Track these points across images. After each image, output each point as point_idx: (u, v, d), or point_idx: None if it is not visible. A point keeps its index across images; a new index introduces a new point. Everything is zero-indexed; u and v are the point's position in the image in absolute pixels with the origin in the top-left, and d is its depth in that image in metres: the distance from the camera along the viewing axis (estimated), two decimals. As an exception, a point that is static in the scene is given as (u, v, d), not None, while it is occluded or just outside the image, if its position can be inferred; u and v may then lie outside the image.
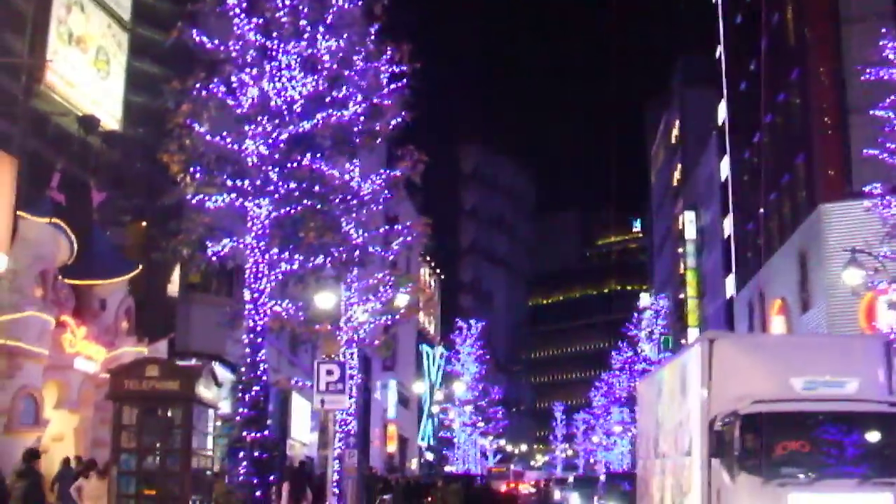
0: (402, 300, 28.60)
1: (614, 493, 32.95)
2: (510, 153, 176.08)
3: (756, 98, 60.94)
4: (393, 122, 23.56)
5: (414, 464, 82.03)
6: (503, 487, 75.33)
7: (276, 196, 21.49)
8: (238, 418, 21.53)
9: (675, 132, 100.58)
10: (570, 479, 56.86)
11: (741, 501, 15.39)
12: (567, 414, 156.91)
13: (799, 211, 51.46)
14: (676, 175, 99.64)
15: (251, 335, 21.69)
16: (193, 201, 21.40)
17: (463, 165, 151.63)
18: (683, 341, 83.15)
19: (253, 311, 21.69)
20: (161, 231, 24.05)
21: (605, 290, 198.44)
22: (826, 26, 48.41)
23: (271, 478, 21.90)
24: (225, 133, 21.63)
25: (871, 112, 27.19)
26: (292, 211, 21.73)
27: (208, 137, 21.43)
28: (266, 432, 21.70)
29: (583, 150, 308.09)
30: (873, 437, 16.10)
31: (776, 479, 15.28)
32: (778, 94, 54.96)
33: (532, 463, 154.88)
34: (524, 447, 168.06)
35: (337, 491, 26.36)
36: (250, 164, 21.62)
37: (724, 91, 72.29)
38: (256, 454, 21.11)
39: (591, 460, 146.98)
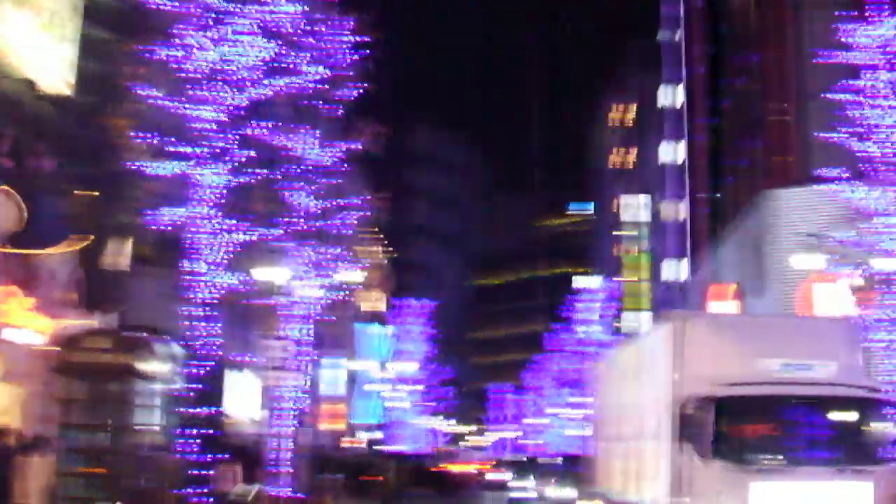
0: (355, 276, 27.72)
1: (568, 476, 32.27)
2: (461, 133, 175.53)
3: (714, 82, 60.81)
4: (354, 93, 22.92)
5: (360, 442, 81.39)
6: (448, 467, 75.07)
7: (231, 164, 20.80)
8: (189, 394, 20.74)
9: (630, 116, 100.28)
10: (519, 460, 55.41)
11: (713, 487, 14.82)
12: (514, 394, 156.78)
13: (755, 195, 51.29)
14: (630, 159, 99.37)
15: (202, 308, 20.95)
16: (145, 169, 20.61)
17: (413, 144, 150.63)
18: (631, 324, 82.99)
19: (204, 284, 20.90)
20: (112, 200, 23.22)
21: (550, 272, 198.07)
22: (786, 11, 48.22)
23: (223, 456, 21.17)
24: (179, 98, 20.88)
25: (823, 95, 26.71)
26: (248, 181, 21.06)
27: (161, 102, 20.62)
28: (216, 408, 21.04)
29: (534, 131, 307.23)
30: (852, 423, 15.62)
31: (751, 465, 14.84)
32: (737, 78, 54.77)
33: (475, 444, 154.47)
34: (470, 428, 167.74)
35: (291, 470, 25.67)
36: (204, 130, 20.88)
37: (681, 74, 72.18)
38: (206, 431, 20.54)
39: (534, 442, 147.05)
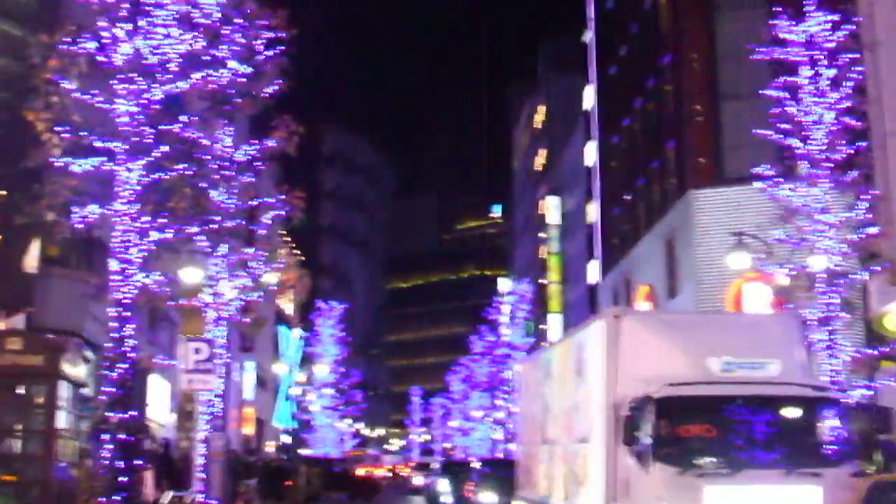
0: (270, 277, 27.02)
1: (490, 480, 31.32)
2: (371, 135, 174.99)
3: (626, 83, 60.92)
4: (271, 89, 22.33)
5: (271, 446, 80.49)
6: (362, 471, 74.59)
7: (148, 160, 20.12)
8: (103, 398, 20.10)
9: (540, 117, 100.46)
10: (436, 464, 54.47)
11: (655, 493, 14.20)
12: (425, 398, 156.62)
13: (668, 197, 51.44)
14: (540, 160, 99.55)
15: (118, 309, 20.22)
16: (59, 164, 19.80)
17: (322, 145, 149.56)
18: (543, 326, 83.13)
19: (120, 284, 20.24)
20: (22, 197, 22.32)
21: (464, 275, 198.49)
22: (700, 12, 48.42)
23: (137, 462, 20.46)
24: (95, 91, 20.13)
25: (761, 92, 26.58)
26: (165, 176, 20.40)
27: (77, 95, 19.87)
28: (133, 413, 20.33)
29: (446, 134, 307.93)
30: (798, 423, 15.04)
31: (693, 469, 14.14)
32: (648, 79, 54.87)
33: (387, 447, 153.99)
34: (381, 431, 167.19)
35: (205, 476, 24.87)
36: (121, 124, 20.17)
37: (593, 75, 72.25)
38: (122, 437, 19.68)
39: (449, 445, 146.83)
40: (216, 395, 27.57)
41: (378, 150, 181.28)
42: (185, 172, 20.50)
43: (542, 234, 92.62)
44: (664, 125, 52.34)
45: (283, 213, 25.53)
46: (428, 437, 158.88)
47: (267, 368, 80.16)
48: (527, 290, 78.22)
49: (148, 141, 20.14)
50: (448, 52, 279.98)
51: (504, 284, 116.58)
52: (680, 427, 14.53)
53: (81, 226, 20.35)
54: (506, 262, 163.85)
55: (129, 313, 20.26)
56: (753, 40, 47.20)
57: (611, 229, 64.44)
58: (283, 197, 25.32)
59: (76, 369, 17.27)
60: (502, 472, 30.21)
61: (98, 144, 20.38)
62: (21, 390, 16.67)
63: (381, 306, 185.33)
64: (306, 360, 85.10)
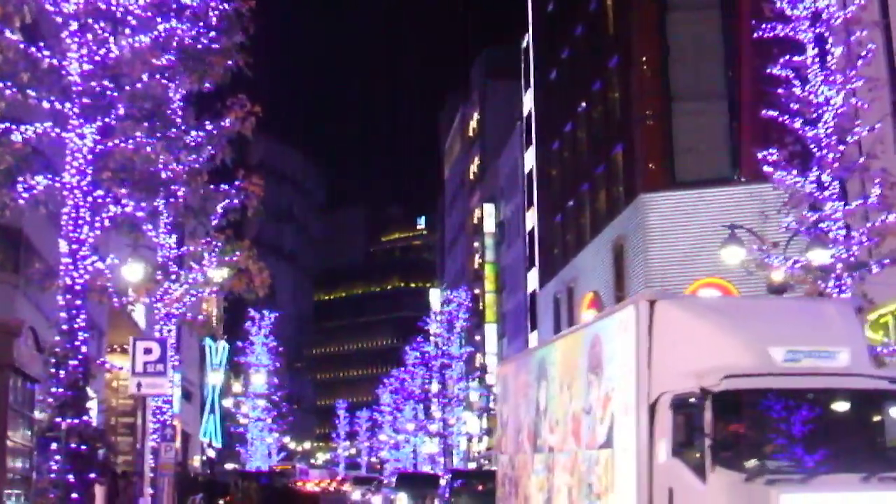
0: (222, 271, 24.50)
1: (463, 495, 28.42)
2: (299, 146, 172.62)
3: (567, 87, 59.56)
4: (229, 62, 20.14)
5: (196, 460, 77.87)
6: (302, 486, 72.51)
7: (104, 122, 17.77)
8: (50, 400, 17.51)
9: (473, 125, 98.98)
10: (389, 480, 50.69)
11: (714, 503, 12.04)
12: (350, 412, 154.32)
13: (615, 202, 50.09)
14: (473, 168, 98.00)
15: (67, 296, 17.81)
16: None
17: (250, 155, 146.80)
18: (478, 338, 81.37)
19: (71, 267, 17.83)
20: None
21: (389, 287, 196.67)
22: (649, 12, 47.02)
23: (91, 475, 17.80)
24: (44, 43, 17.84)
25: (768, 71, 24.85)
26: (123, 144, 18.11)
27: (23, 47, 17.58)
28: (86, 418, 17.78)
29: (373, 146, 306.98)
30: (876, 420, 12.90)
31: (762, 475, 11.88)
32: (594, 82, 53.45)
33: (313, 461, 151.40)
34: (307, 445, 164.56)
35: (151, 491, 22.52)
36: (73, 83, 17.84)
37: (531, 81, 70.87)
38: (73, 445, 17.19)
39: (374, 459, 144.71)
40: (165, 401, 25.41)
41: (308, 163, 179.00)
42: (148, 139, 18.10)
43: (476, 244, 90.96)
44: (611, 129, 50.97)
45: (236, 201, 23.05)
46: (353, 451, 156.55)
47: (192, 380, 77.56)
48: (465, 299, 76.32)
49: (100, 102, 17.70)
50: (379, 65, 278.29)
51: (434, 295, 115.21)
52: (743, 426, 12.44)
53: (25, 198, 17.82)
54: (431, 273, 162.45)
55: (79, 301, 17.91)
56: (706, 40, 47.10)
57: (551, 237, 62.87)
58: (240, 183, 22.87)
59: (33, 361, 14.48)
60: (475, 486, 28.16)
61: (46, 105, 18.01)
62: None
63: (307, 319, 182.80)
64: (237, 371, 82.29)
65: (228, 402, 70.58)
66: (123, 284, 20.94)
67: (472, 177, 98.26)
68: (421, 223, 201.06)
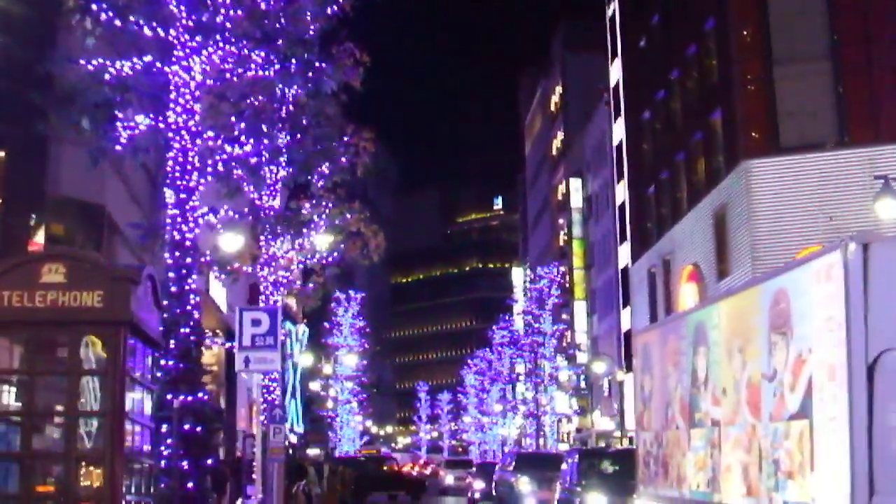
0: (323, 241, 22.62)
1: (593, 477, 25.87)
2: (371, 126, 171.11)
3: (658, 54, 57.52)
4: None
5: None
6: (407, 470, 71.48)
7: (214, 52, 15.78)
8: (159, 374, 14.68)
9: (555, 98, 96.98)
10: (506, 461, 44.51)
11: None
12: (430, 394, 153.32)
13: (714, 170, 48.10)
14: (556, 143, 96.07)
15: (176, 253, 15.93)
16: (91, 66, 15.40)
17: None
18: (565, 316, 79.45)
19: (180, 219, 15.94)
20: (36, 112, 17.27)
21: (467, 269, 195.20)
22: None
23: (208, 461, 15.91)
24: None
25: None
26: (235, 77, 16.13)
27: None
28: (201, 395, 15.96)
29: (446, 126, 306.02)
30: None
31: None
32: (688, 46, 51.36)
33: (394, 445, 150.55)
34: (389, 429, 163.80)
35: (259, 478, 20.54)
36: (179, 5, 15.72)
37: (618, 50, 68.89)
38: (187, 427, 15.23)
39: (455, 441, 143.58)
40: (272, 380, 23.69)
41: (380, 144, 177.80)
42: (265, 69, 16.02)
43: (561, 220, 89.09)
44: (708, 95, 48.88)
45: (345, 159, 21.11)
46: (434, 435, 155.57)
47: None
48: (556, 275, 74.35)
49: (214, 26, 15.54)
50: (452, 42, 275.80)
51: (517, 274, 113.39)
52: None
53: (124, 143, 15.76)
54: (510, 253, 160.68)
55: (189, 259, 16.07)
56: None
57: (644, 209, 60.89)
58: (349, 139, 20.92)
59: (149, 319, 11.41)
60: (605, 467, 26.10)
61: (147, 33, 15.90)
62: (65, 350, 10.84)
63: (384, 302, 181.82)
64: (323, 353, 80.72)
65: (316, 386, 69.20)
66: (223, 255, 19.40)
67: (555, 152, 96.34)
68: (498, 203, 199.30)
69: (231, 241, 20.53)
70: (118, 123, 15.90)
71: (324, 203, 21.68)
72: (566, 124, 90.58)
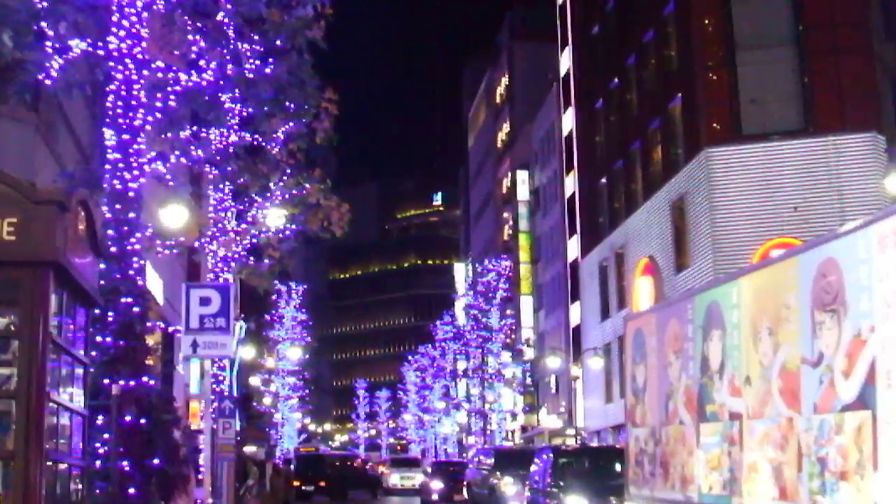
0: (278, 214, 19.98)
1: (569, 476, 23.42)
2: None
3: (613, 41, 55.98)
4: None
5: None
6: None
7: None
8: (94, 353, 11.85)
9: (501, 90, 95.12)
10: (481, 458, 39.60)
11: None
12: (369, 392, 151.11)
13: (672, 159, 46.66)
14: (501, 136, 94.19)
15: (117, 206, 13.33)
16: None
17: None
18: (509, 311, 77.64)
19: (122, 166, 13.38)
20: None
21: (406, 265, 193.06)
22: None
23: (154, 461, 13.08)
24: None
25: None
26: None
27: None
28: (146, 379, 13.23)
29: (389, 117, 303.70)
30: None
31: None
32: (646, 32, 49.80)
33: (331, 443, 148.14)
34: (326, 426, 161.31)
35: (204, 478, 18.23)
36: None
37: (569, 38, 67.26)
38: (129, 418, 12.50)
39: (393, 440, 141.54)
40: (220, 368, 21.52)
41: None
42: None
43: (506, 214, 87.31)
44: (667, 81, 47.43)
45: (304, 122, 18.70)
46: (373, 433, 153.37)
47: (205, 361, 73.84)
48: (505, 269, 72.40)
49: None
50: (395, 32, 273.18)
51: (459, 270, 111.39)
52: None
53: (54, 76, 13.01)
54: (450, 250, 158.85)
55: (133, 214, 13.49)
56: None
57: (595, 201, 59.26)
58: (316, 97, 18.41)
59: (84, 266, 8.46)
60: (581, 465, 24.08)
61: None
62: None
63: (321, 297, 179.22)
64: (265, 346, 77.97)
65: (256, 381, 66.74)
66: (163, 229, 17.15)
67: (500, 144, 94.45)
68: (437, 199, 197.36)
69: (175, 214, 18.38)
70: (48, 43, 13.16)
71: (282, 167, 19.20)
72: (512, 116, 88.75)
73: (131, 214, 13.62)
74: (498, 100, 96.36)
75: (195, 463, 18.80)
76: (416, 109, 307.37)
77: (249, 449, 74.94)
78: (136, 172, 13.71)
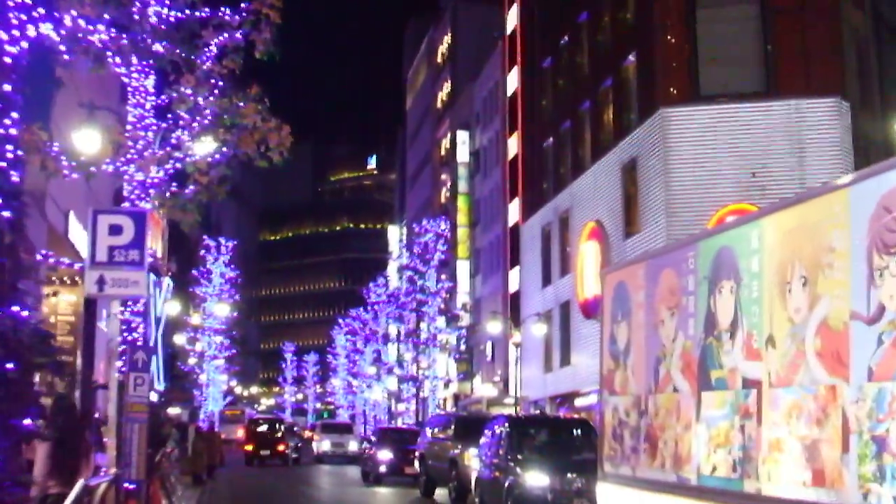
0: (207, 138, 17.32)
1: (526, 448, 20.89)
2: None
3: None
4: None
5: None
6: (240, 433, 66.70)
7: None
8: None
9: (443, 49, 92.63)
10: (438, 427, 34.75)
11: None
12: (297, 356, 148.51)
13: (624, 121, 44.77)
14: (441, 95, 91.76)
15: None
16: None
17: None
18: (444, 276, 75.45)
19: None
20: None
21: (338, 228, 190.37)
22: None
23: (25, 420, 10.25)
24: None
25: None
26: None
27: None
28: (17, 308, 10.37)
29: (324, 80, 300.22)
30: None
31: None
32: (594, -10, 47.85)
33: (257, 406, 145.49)
34: (253, 389, 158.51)
35: (108, 441, 15.61)
36: None
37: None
38: None
39: (320, 405, 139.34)
40: (134, 313, 19.06)
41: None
42: None
43: (444, 176, 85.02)
44: (621, 38, 45.52)
45: (241, 35, 16.28)
46: (300, 397, 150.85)
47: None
48: (443, 229, 70.01)
49: None
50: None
51: (393, 233, 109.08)
52: None
53: None
54: (383, 214, 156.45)
55: (10, 87, 10.46)
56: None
57: (539, 164, 57.22)
58: (247, 5, 15.93)
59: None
60: (550, 437, 21.81)
61: None
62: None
63: (251, 258, 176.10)
64: (191, 302, 75.02)
65: (182, 339, 64.03)
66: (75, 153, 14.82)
67: (440, 104, 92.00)
68: (372, 163, 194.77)
69: (89, 138, 16.05)
70: None
71: (212, 81, 16.69)
72: (454, 76, 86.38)
73: (6, 87, 10.72)
74: (439, 59, 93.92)
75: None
76: (353, 72, 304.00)
77: (173, 411, 72.45)
78: (15, 33, 10.90)
